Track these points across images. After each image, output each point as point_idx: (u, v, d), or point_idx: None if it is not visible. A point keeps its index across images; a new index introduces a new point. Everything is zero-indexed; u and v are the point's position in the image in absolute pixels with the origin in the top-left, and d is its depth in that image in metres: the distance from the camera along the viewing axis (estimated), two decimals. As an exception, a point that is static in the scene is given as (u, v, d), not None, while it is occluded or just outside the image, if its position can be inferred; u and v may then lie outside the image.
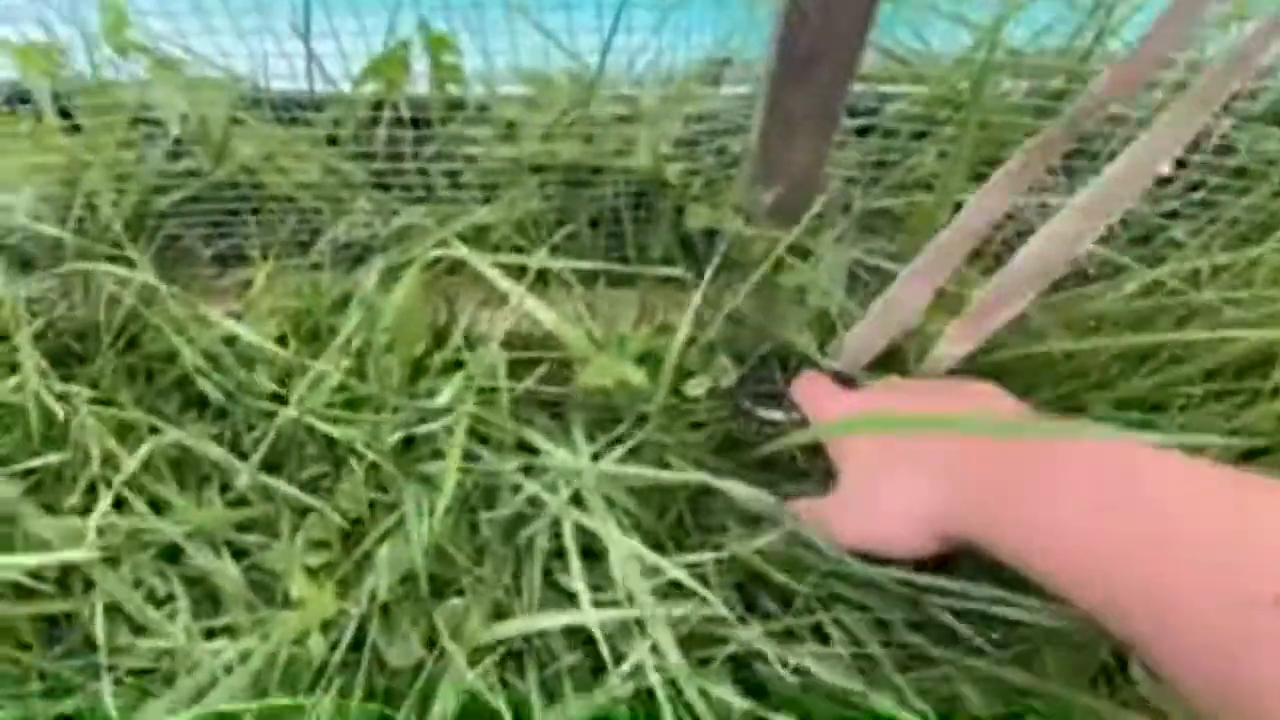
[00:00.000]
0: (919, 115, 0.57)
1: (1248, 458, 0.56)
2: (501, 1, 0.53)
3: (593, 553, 0.51)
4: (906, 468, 0.43)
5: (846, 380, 0.53)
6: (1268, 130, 0.53)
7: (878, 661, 0.46)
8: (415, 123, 0.60)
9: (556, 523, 0.50)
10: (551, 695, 0.46)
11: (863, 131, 0.60)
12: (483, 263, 0.53)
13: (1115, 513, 0.33)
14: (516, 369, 0.59)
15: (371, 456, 0.52)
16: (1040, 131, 0.44)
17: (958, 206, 0.57)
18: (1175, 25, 0.39)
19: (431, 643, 0.51)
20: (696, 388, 0.52)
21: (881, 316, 0.52)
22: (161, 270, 0.59)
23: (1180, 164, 0.55)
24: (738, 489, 0.49)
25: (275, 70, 0.56)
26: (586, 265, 0.55)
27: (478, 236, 0.59)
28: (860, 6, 0.45)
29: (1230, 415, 0.54)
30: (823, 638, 0.48)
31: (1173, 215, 0.55)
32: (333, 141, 0.61)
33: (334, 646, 0.49)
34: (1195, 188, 0.55)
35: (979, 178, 0.59)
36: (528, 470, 0.52)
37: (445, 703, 0.48)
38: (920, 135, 0.57)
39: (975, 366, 0.52)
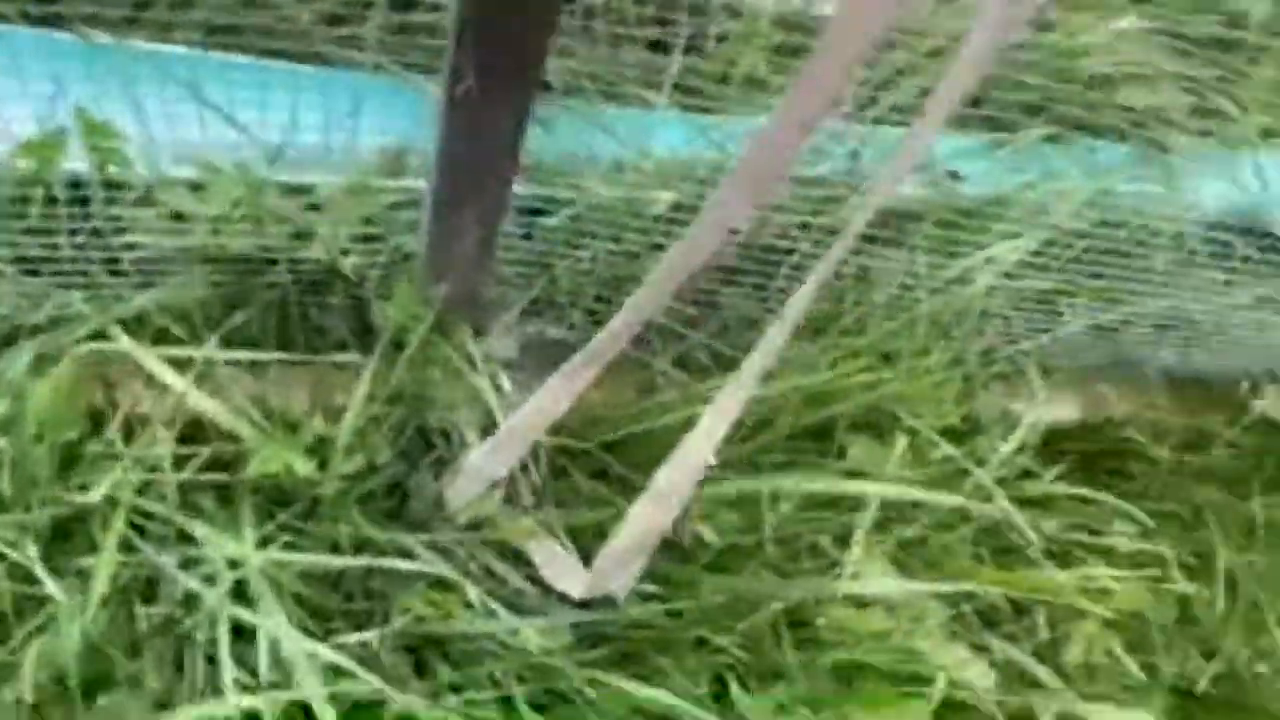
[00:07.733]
0: (572, 227, 0.66)
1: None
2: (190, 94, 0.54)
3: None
4: None
5: None
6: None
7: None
8: (72, 203, 0.58)
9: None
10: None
11: (527, 236, 0.68)
12: (145, 355, 0.54)
13: None
14: (187, 454, 0.59)
15: (13, 555, 0.51)
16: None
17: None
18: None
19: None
20: (346, 465, 0.56)
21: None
22: None
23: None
24: (401, 563, 0.54)
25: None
26: (250, 355, 0.57)
27: (139, 321, 0.59)
28: (504, 159, 0.52)
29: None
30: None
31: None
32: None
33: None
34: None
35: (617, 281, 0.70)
36: (193, 561, 0.53)
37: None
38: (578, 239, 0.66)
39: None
